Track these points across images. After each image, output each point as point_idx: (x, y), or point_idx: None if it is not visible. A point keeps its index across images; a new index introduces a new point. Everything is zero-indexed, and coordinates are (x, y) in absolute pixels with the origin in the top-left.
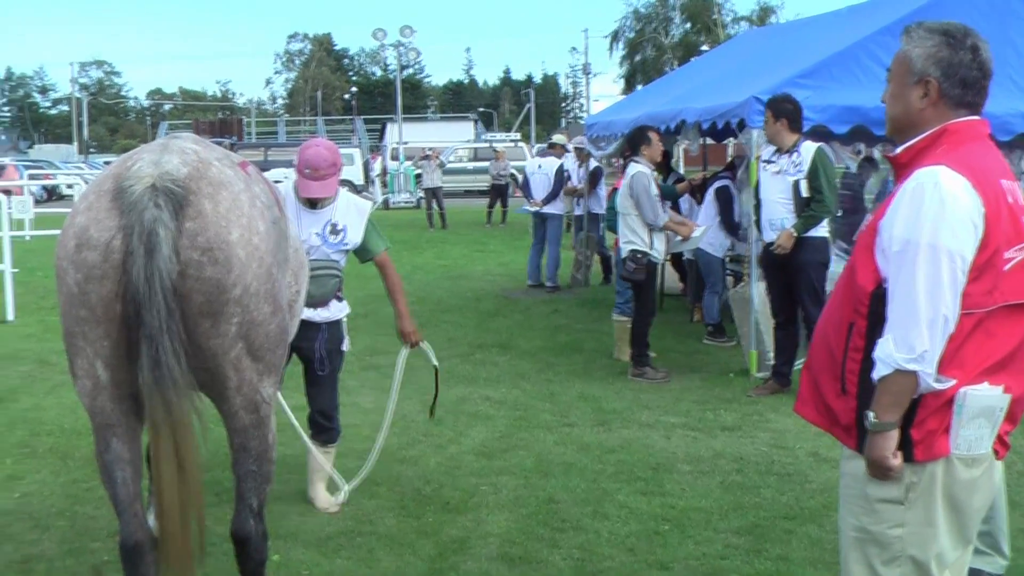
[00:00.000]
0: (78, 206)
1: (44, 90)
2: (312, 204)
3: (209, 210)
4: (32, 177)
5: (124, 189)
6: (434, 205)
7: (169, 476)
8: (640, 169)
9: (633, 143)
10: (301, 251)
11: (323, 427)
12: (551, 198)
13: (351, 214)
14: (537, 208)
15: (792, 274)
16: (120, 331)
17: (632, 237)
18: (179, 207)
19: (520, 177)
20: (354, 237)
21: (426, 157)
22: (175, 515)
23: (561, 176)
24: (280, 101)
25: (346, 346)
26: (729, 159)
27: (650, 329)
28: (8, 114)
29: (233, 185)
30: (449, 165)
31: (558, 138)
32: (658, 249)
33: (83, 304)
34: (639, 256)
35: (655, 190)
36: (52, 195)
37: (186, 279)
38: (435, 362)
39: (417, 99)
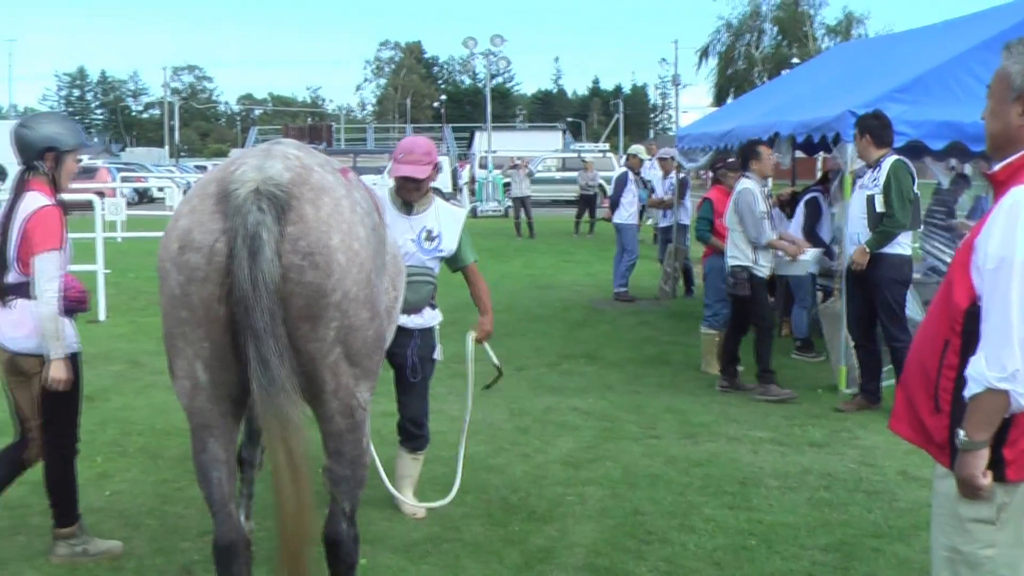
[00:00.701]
0: (181, 209)
1: (137, 94)
2: (408, 209)
3: (311, 215)
4: (124, 180)
5: (228, 193)
6: (522, 214)
7: (285, 477)
8: (747, 186)
9: (743, 158)
10: (399, 258)
11: (413, 434)
12: (613, 207)
13: (447, 221)
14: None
15: (869, 291)
16: (221, 333)
17: (736, 252)
18: (282, 211)
19: (608, 188)
20: (449, 244)
21: (515, 166)
22: (292, 515)
23: (622, 185)
24: (369, 108)
25: (438, 354)
26: (820, 173)
27: (740, 344)
28: (101, 117)
29: (334, 191)
30: (537, 175)
31: (635, 149)
32: (763, 265)
33: (185, 306)
34: (739, 271)
35: (761, 207)
36: (143, 198)
37: (287, 283)
38: (496, 361)
39: (506, 108)
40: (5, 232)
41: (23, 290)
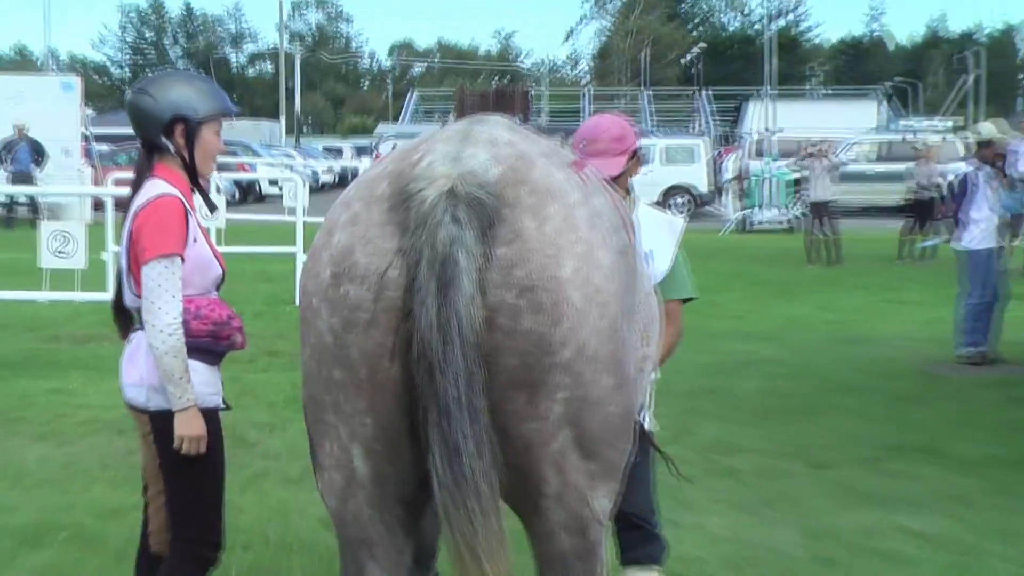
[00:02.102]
0: (336, 218)
1: (238, 39)
2: None
3: (531, 231)
4: (219, 168)
5: (408, 195)
6: (821, 228)
7: None
8: None
9: None
10: (654, 297)
11: (637, 537)
12: (956, 221)
13: (658, 233)
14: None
15: None
16: (392, 404)
17: None
18: (488, 225)
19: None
20: (662, 265)
21: (811, 154)
22: None
23: (970, 189)
24: (585, 64)
25: (649, 423)
26: None
27: None
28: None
29: (566, 195)
30: (845, 168)
31: (985, 129)
32: None
33: (339, 362)
34: None
35: None
36: (247, 195)
37: (494, 331)
38: (649, 426)
39: (795, 64)
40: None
41: (137, 316)
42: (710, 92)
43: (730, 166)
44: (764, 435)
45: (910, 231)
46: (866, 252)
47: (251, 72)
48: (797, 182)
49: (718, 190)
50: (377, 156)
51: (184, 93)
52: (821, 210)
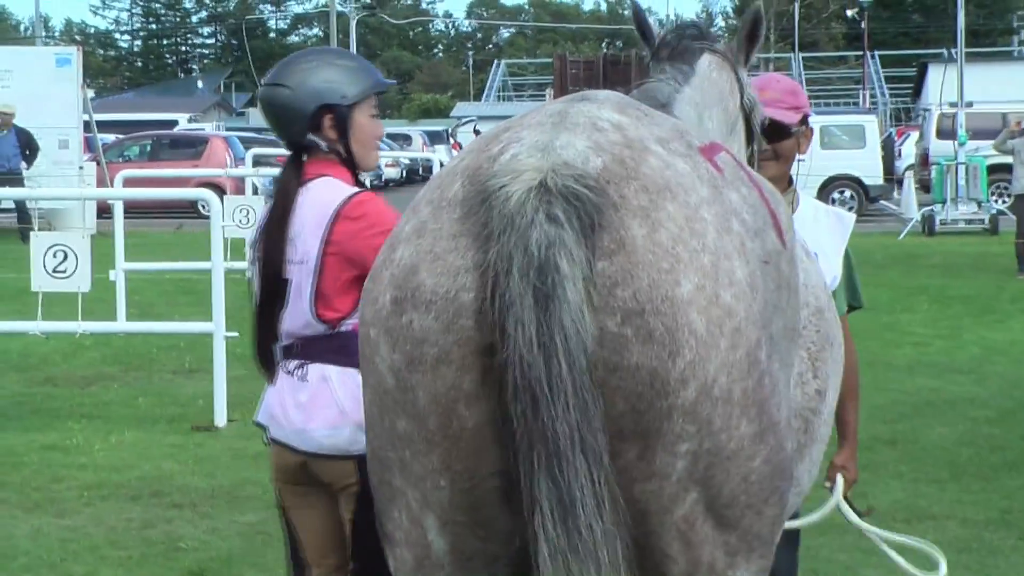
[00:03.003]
0: (400, 228)
1: (279, 1)
2: None
3: (639, 240)
4: (257, 162)
5: (487, 194)
6: None
7: None
8: None
9: None
10: (829, 314)
11: None
12: None
13: (827, 228)
14: None
15: None
16: (474, 460)
17: None
18: (590, 226)
19: None
20: (833, 268)
21: (1023, 131)
22: None
23: None
24: (720, 22)
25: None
26: None
27: None
28: (211, 42)
29: (688, 191)
30: None
31: None
32: None
33: (403, 409)
34: None
35: None
36: None
37: (594, 368)
38: (855, 519)
39: (991, 17)
40: (276, 257)
41: (324, 349)
42: (880, 55)
43: (909, 149)
44: (962, 497)
45: None
46: None
47: (294, 39)
48: (995, 168)
49: (894, 181)
50: (455, 146)
51: (325, 76)
52: None
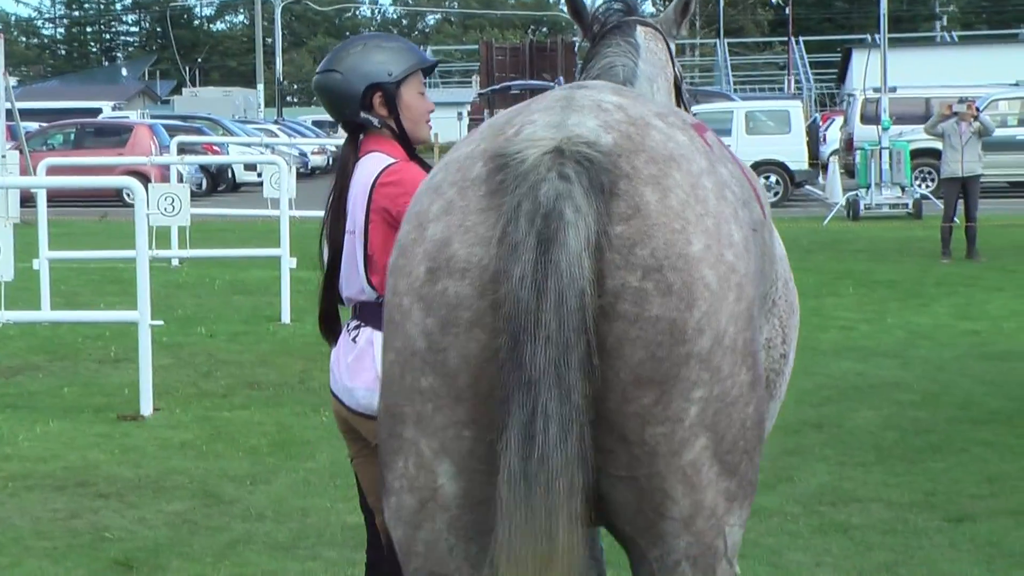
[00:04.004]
0: (428, 206)
1: None
2: None
3: (653, 204)
4: (183, 150)
5: (507, 160)
6: (959, 211)
7: None
8: None
9: None
10: (793, 285)
11: None
12: None
13: None
14: None
15: None
16: (495, 414)
17: None
18: (600, 192)
19: None
20: None
21: (955, 114)
22: None
23: None
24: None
25: None
26: None
27: None
28: (136, 30)
29: (691, 161)
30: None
31: None
32: None
33: (432, 367)
34: None
35: None
36: (218, 182)
37: (617, 320)
38: None
39: (913, 5)
40: (337, 229)
41: (374, 315)
42: (806, 41)
43: (833, 135)
44: (887, 480)
45: None
46: (1013, 242)
47: (219, 27)
48: (919, 153)
49: (819, 166)
50: None
51: (372, 59)
52: (962, 188)
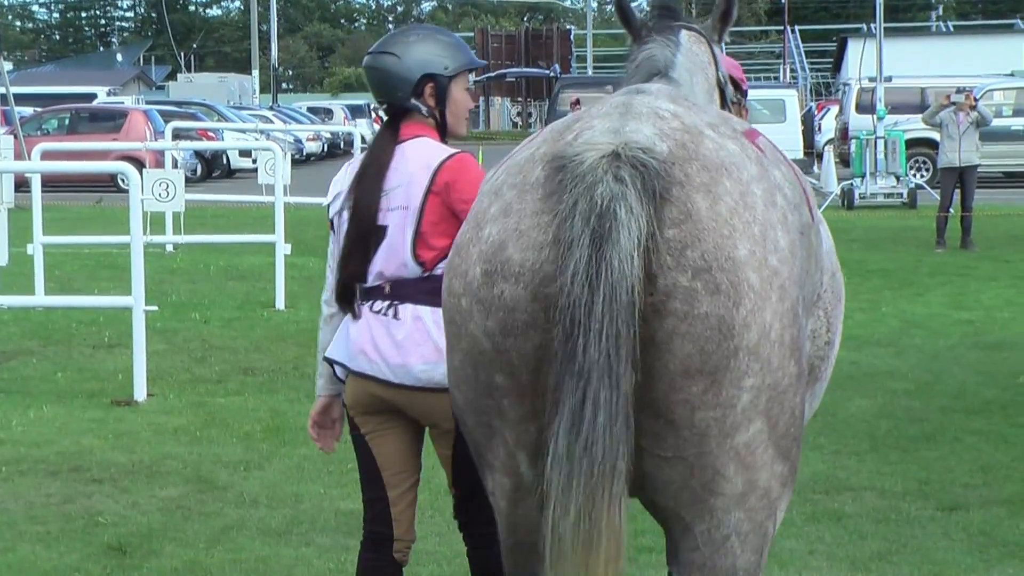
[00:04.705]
0: (485, 208)
1: None
2: None
3: (704, 210)
4: (177, 136)
5: (565, 162)
6: (955, 200)
7: None
8: None
9: None
10: (840, 277)
11: None
12: None
13: None
14: None
15: None
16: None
17: None
18: (652, 197)
19: None
20: None
21: (953, 103)
22: None
23: None
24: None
25: None
26: None
27: None
28: (133, 15)
29: (741, 169)
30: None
31: None
32: None
33: (498, 367)
34: None
35: None
36: (212, 168)
37: (667, 317)
38: None
39: None
40: (371, 206)
41: (418, 291)
42: (800, 29)
43: (828, 124)
44: (880, 469)
45: None
46: (1008, 232)
47: (214, 12)
48: (915, 143)
49: (814, 155)
50: (377, 120)
51: (431, 49)
52: (959, 178)
